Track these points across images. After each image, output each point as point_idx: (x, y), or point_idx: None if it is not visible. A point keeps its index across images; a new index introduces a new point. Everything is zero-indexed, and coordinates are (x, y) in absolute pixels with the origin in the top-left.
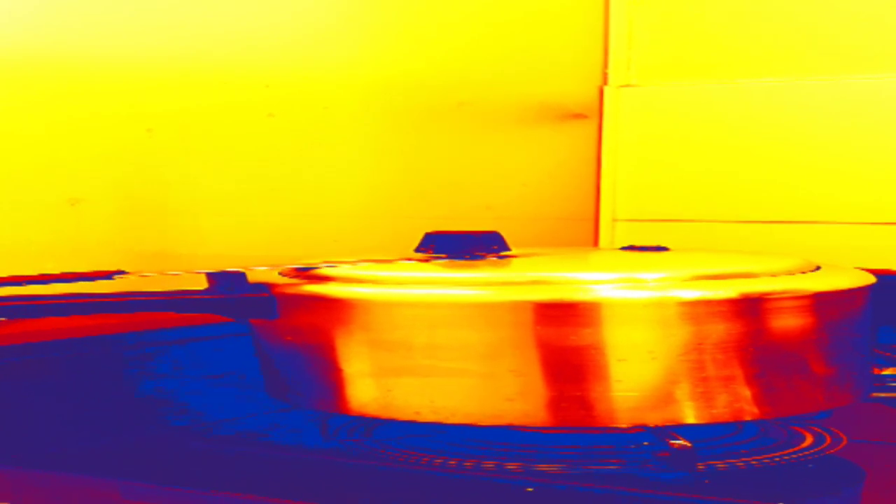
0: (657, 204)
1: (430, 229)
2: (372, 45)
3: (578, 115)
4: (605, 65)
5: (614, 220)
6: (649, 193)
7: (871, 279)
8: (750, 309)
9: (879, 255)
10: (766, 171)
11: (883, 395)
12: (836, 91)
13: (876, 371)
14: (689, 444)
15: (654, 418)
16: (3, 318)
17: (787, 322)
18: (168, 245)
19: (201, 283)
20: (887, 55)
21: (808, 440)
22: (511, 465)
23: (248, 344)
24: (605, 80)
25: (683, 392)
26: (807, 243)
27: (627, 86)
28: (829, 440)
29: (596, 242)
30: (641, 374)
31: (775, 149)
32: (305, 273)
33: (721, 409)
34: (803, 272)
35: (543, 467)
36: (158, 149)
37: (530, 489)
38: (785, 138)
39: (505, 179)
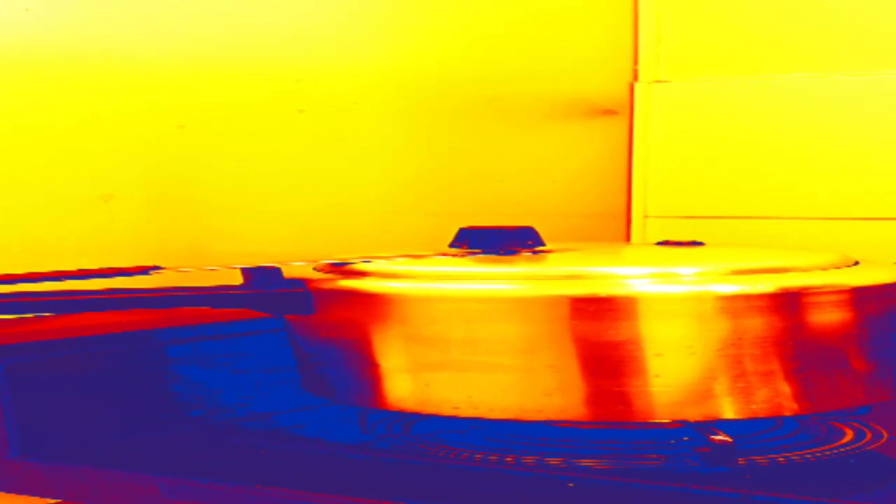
0: (688, 200)
1: (459, 225)
2: (402, 41)
3: (609, 111)
4: (635, 60)
5: (646, 216)
6: (680, 190)
7: None
8: (788, 303)
9: None
10: (798, 167)
11: None
12: (869, 86)
13: None
14: (729, 440)
15: (693, 413)
16: (42, 314)
17: (825, 317)
18: (199, 240)
19: (237, 279)
20: None
21: (848, 436)
22: (551, 461)
23: (285, 339)
24: (635, 76)
25: (722, 387)
26: (842, 239)
27: (658, 81)
28: (869, 436)
29: (627, 239)
30: (680, 368)
31: (807, 144)
32: (341, 268)
33: (760, 404)
34: (841, 267)
35: (583, 462)
36: (190, 144)
37: (571, 485)
38: (817, 134)
39: (535, 175)
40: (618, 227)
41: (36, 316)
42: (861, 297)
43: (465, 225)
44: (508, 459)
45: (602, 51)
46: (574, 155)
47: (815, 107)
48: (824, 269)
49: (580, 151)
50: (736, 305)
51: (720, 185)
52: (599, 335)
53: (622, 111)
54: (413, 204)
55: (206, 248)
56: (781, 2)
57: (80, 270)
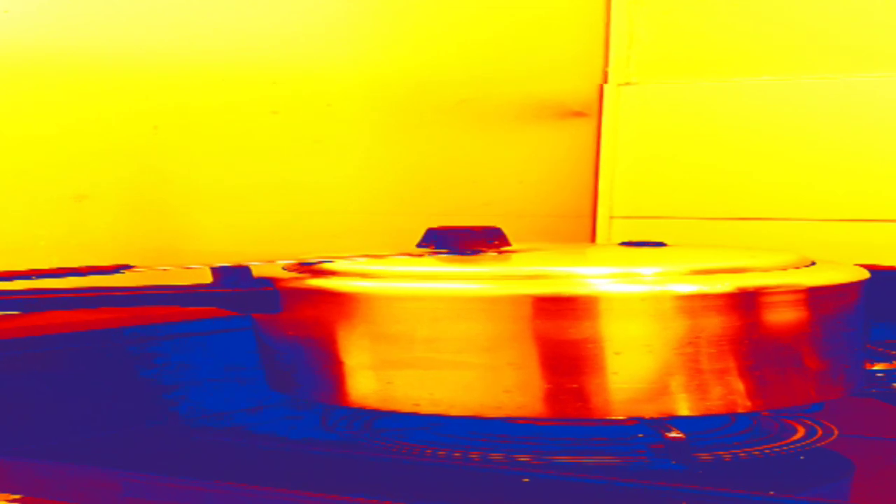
0: (654, 201)
1: (431, 225)
2: (375, 43)
3: (578, 114)
4: (606, 63)
5: (611, 216)
6: (646, 190)
7: (865, 274)
8: (745, 303)
9: (874, 251)
10: (763, 169)
11: (875, 389)
12: (832, 89)
13: (868, 366)
14: (683, 436)
15: (649, 410)
16: (10, 312)
17: (781, 316)
18: (173, 241)
19: (206, 278)
20: (882, 55)
21: (800, 433)
22: (508, 457)
23: (251, 338)
24: (604, 79)
25: (678, 384)
26: (803, 240)
27: (627, 84)
28: (820, 433)
29: (593, 239)
30: (637, 366)
31: (772, 147)
32: (309, 267)
33: (715, 401)
34: (798, 267)
35: (540, 458)
36: (164, 145)
37: (526, 479)
38: (781, 136)
39: (504, 176)
40: (584, 227)
41: (4, 314)
42: (816, 297)
43: (436, 225)
44: (467, 456)
45: (573, 54)
46: (543, 156)
47: (780, 110)
48: (781, 269)
49: (549, 153)
50: (694, 305)
51: (686, 187)
52: (560, 333)
53: (591, 113)
54: (386, 204)
55: (179, 248)
56: (749, 7)
57: (49, 269)
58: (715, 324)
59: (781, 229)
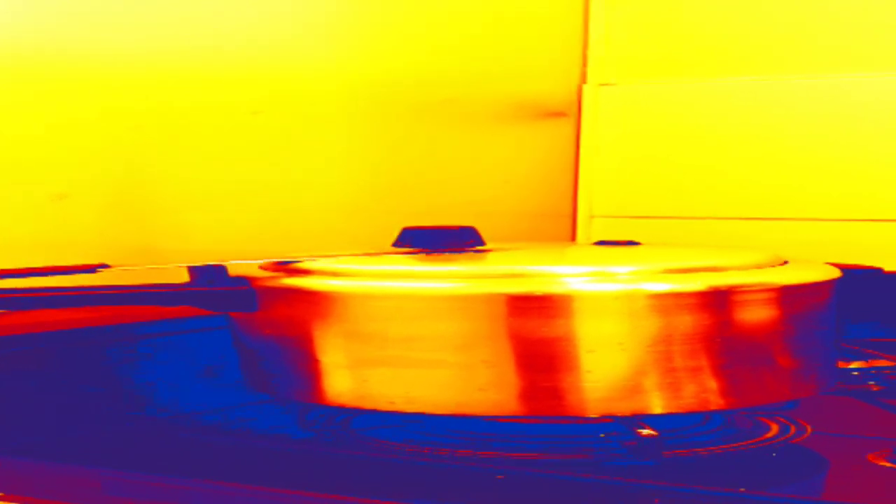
0: (634, 201)
1: (413, 224)
2: (355, 44)
3: (558, 114)
4: (584, 63)
5: (591, 216)
6: (626, 190)
7: (837, 273)
8: (717, 301)
9: (847, 250)
10: (741, 169)
11: (850, 387)
12: (809, 90)
13: (843, 365)
14: (655, 433)
15: (622, 408)
16: None
17: (753, 314)
18: (154, 240)
19: (183, 277)
20: (860, 55)
21: (774, 430)
22: (483, 454)
23: (229, 336)
24: (583, 79)
25: (651, 382)
26: (783, 239)
27: (606, 84)
28: (793, 430)
29: (574, 238)
30: (610, 365)
31: (749, 146)
32: (285, 266)
33: (688, 399)
34: (770, 266)
35: (514, 455)
36: (144, 145)
37: (501, 476)
38: (759, 136)
39: (486, 176)
40: (565, 226)
41: None
42: (788, 296)
43: (418, 224)
44: (444, 453)
45: (552, 54)
46: (523, 156)
47: (758, 110)
48: (753, 268)
49: (529, 153)
50: (666, 303)
51: (666, 187)
52: (533, 332)
53: (571, 113)
54: (367, 204)
55: (160, 247)
56: (728, 7)
57: (26, 268)
58: (687, 322)
59: (761, 229)
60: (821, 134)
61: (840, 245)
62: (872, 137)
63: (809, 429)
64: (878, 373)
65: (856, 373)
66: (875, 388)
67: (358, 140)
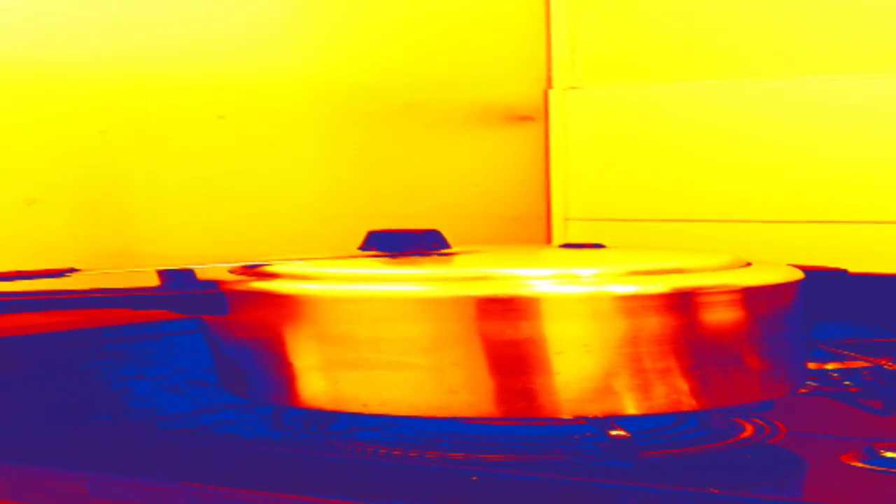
0: (607, 204)
1: (383, 228)
2: (322, 49)
3: (525, 118)
4: (549, 67)
5: (566, 219)
6: (600, 193)
7: (800, 275)
8: (681, 303)
9: (814, 252)
10: (706, 171)
11: (826, 388)
12: (773, 93)
13: (819, 366)
14: (627, 434)
15: (594, 409)
16: None
17: (717, 316)
18: (124, 244)
19: (153, 281)
20: (824, 58)
21: (748, 431)
22: (456, 456)
23: (202, 340)
24: (549, 83)
25: (621, 384)
26: (746, 241)
27: (572, 88)
28: (768, 430)
29: (549, 241)
30: (579, 366)
31: (715, 149)
32: (253, 270)
33: (659, 400)
34: (733, 268)
35: (487, 457)
36: (112, 150)
37: (474, 478)
38: (724, 139)
39: (456, 180)
40: (540, 229)
41: None
42: (751, 297)
43: (388, 227)
44: (418, 455)
45: (517, 59)
46: (494, 160)
47: (723, 113)
48: (716, 270)
49: (499, 156)
50: (631, 305)
51: (635, 189)
52: (501, 334)
53: (538, 117)
54: (336, 208)
55: (131, 252)
56: (693, 10)
57: None
58: (653, 324)
59: (729, 231)
60: (785, 137)
61: (806, 247)
62: (835, 140)
63: (784, 429)
64: (854, 373)
65: (833, 374)
66: (852, 389)
67: (326, 144)
